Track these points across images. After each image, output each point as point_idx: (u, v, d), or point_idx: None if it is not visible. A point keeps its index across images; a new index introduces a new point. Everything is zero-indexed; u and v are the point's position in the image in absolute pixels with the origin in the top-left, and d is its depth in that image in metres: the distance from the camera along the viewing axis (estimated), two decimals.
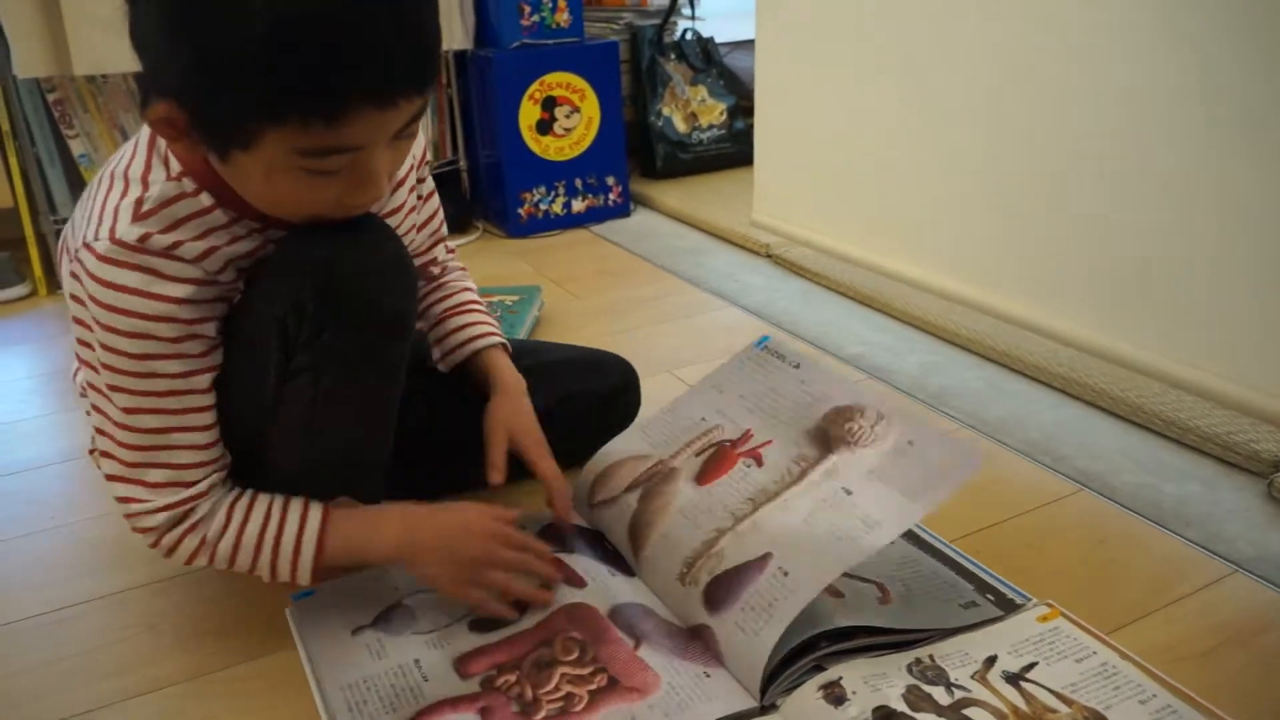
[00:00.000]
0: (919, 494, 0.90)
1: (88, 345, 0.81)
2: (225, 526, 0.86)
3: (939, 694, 0.81)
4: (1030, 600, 0.94)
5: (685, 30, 2.69)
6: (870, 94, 1.61)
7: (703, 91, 2.66)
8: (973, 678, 0.83)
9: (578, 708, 0.83)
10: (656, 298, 1.84)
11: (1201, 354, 1.15)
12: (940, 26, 1.44)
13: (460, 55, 2.27)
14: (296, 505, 0.89)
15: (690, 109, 2.63)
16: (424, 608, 0.96)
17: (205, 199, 0.80)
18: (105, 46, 1.77)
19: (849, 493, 0.93)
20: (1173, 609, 0.95)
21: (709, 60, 2.70)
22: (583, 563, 1.01)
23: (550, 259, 2.10)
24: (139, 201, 0.78)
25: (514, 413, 1.06)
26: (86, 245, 0.77)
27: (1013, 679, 0.83)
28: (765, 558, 0.90)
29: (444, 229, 1.12)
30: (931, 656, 0.86)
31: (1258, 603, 0.96)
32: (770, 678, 0.82)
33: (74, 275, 0.79)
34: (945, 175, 1.48)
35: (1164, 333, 1.20)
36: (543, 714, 0.82)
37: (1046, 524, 1.09)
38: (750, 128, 2.68)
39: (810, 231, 1.82)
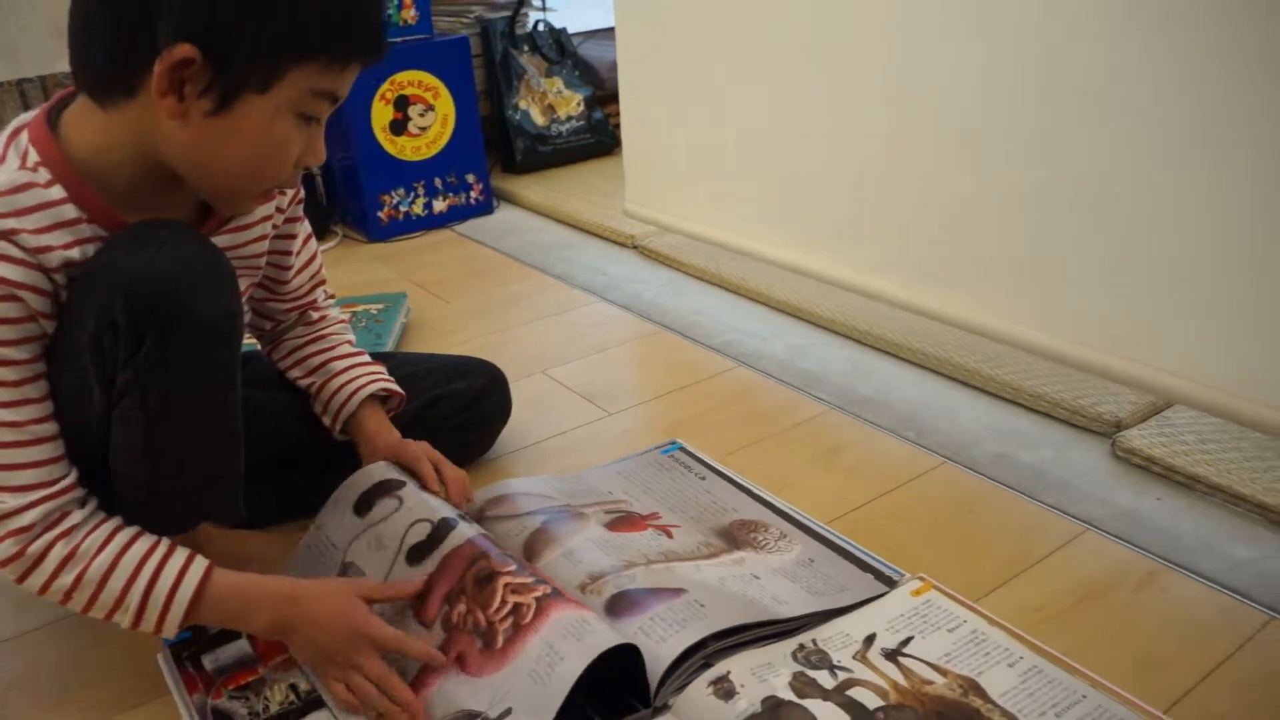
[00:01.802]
0: (823, 594, 0.94)
1: None
2: (105, 544, 0.81)
3: (823, 678, 0.84)
4: (904, 575, 0.98)
5: (537, 22, 2.67)
6: (737, 75, 1.61)
7: (558, 83, 2.65)
8: (854, 658, 0.86)
9: (527, 619, 0.83)
10: (525, 296, 1.83)
11: (1058, 322, 1.19)
12: (805, 8, 1.45)
13: None
14: (181, 553, 0.84)
15: (547, 101, 2.62)
16: (363, 558, 0.95)
17: (57, 191, 0.78)
18: None
19: (757, 578, 0.96)
20: (1035, 571, 1.01)
21: (563, 51, 2.68)
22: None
23: (414, 262, 2.06)
24: None
25: (375, 453, 1.06)
26: None
27: (891, 655, 0.87)
28: (679, 590, 0.92)
29: (323, 272, 1.12)
30: (814, 641, 0.88)
31: (1109, 558, 1.02)
32: (660, 679, 0.83)
33: None
34: (814, 156, 1.50)
35: (1029, 305, 1.25)
36: (500, 640, 0.83)
37: (914, 499, 1.14)
38: (608, 118, 2.69)
39: (683, 219, 1.82)
